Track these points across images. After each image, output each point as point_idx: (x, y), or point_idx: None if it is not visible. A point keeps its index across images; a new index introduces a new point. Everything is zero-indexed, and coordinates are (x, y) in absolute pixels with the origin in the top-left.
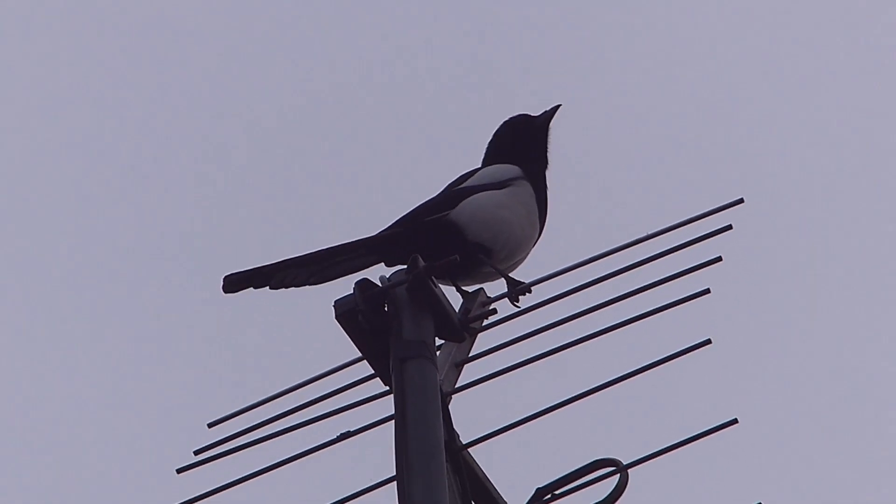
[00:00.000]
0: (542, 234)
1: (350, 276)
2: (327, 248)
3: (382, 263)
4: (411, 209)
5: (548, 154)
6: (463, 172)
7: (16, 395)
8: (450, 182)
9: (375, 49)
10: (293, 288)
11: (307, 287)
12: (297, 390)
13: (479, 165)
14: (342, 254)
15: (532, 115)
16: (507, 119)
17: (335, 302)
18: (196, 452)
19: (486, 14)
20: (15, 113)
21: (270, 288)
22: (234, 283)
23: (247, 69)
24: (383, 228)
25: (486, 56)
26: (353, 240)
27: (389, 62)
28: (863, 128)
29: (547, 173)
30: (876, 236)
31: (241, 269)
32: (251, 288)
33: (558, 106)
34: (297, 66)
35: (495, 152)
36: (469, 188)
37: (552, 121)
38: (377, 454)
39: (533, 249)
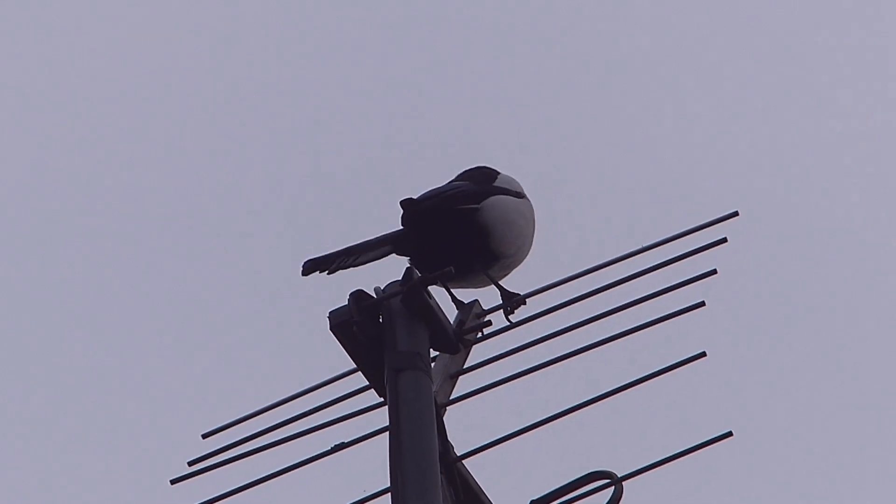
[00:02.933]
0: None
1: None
2: (368, 242)
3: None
4: (437, 190)
5: None
6: (477, 166)
7: (8, 403)
8: (465, 171)
9: (378, 49)
10: (343, 270)
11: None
12: (292, 401)
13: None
14: (378, 245)
15: None
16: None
17: (330, 313)
18: (190, 463)
19: (479, 17)
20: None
21: (329, 273)
22: (312, 267)
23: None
24: (408, 199)
25: (481, 62)
26: (383, 234)
27: (388, 62)
28: (859, 139)
29: None
30: (872, 249)
31: (317, 255)
32: (320, 272)
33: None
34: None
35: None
36: (495, 187)
37: None
38: (371, 466)
39: (524, 263)
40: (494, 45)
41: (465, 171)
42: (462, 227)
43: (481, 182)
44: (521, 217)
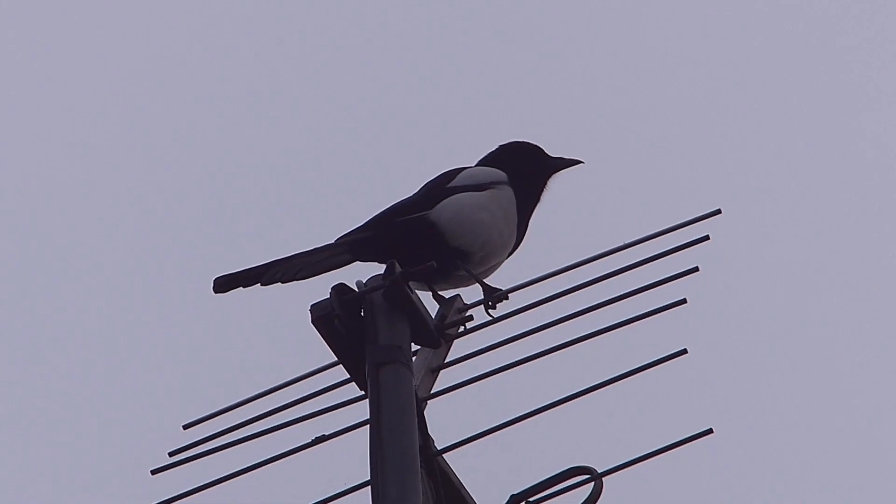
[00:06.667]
0: (519, 248)
1: (333, 272)
2: (306, 251)
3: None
4: (385, 209)
5: (541, 195)
6: (443, 171)
7: None
8: (428, 181)
9: (367, 50)
10: (281, 283)
11: (294, 283)
12: (273, 393)
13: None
14: (320, 255)
15: (546, 151)
16: (519, 140)
17: (311, 306)
18: (171, 454)
19: (471, 15)
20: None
21: (262, 284)
22: (224, 283)
23: (238, 75)
24: (358, 227)
25: (463, 55)
26: (329, 243)
27: (379, 64)
28: (842, 137)
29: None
30: (853, 247)
31: (230, 272)
32: (240, 287)
33: (579, 163)
34: (293, 71)
35: (491, 162)
36: (448, 188)
37: (563, 171)
38: (352, 458)
39: (510, 258)
40: (479, 44)
41: (433, 178)
42: (417, 235)
43: (438, 185)
44: (482, 210)
